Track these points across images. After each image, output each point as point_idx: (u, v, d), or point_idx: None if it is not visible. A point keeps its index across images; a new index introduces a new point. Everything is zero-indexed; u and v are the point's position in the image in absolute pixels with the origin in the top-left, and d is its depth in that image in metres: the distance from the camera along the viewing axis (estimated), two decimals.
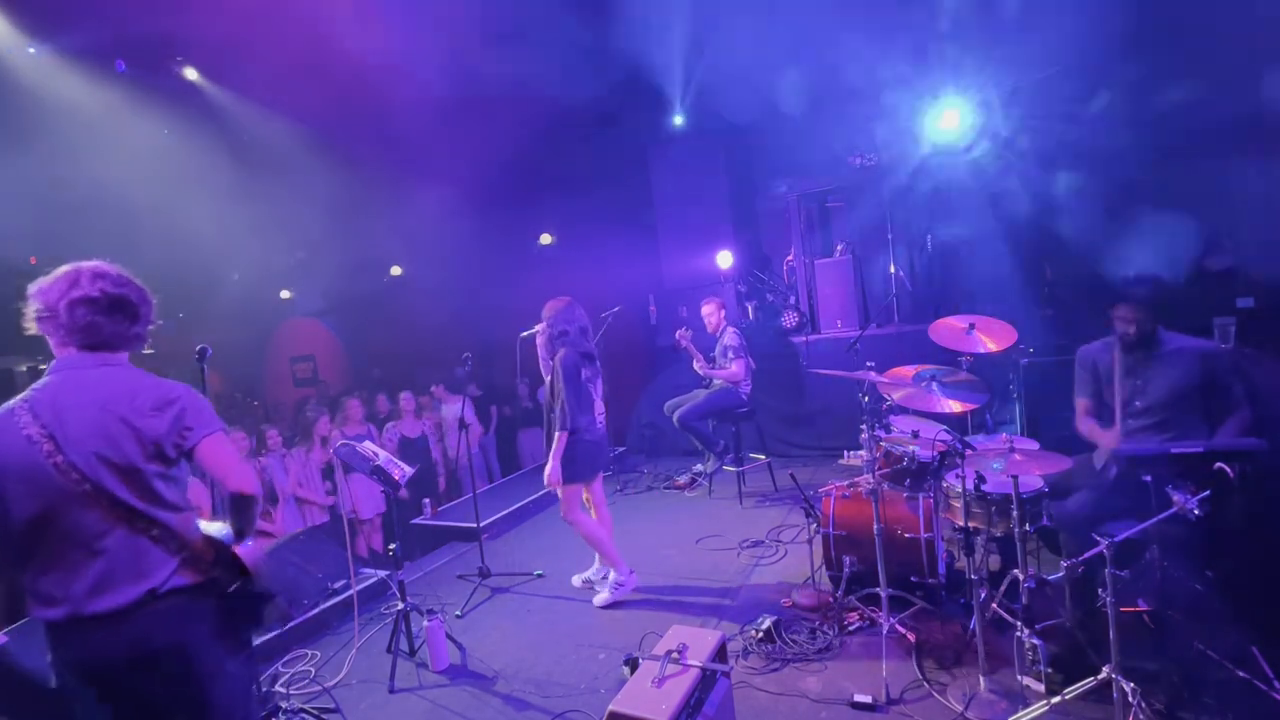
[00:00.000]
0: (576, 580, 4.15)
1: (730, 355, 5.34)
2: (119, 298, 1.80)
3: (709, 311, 5.60)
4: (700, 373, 5.53)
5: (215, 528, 1.90)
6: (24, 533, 1.68)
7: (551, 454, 3.65)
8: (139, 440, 1.73)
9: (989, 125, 6.08)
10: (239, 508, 1.88)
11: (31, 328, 1.79)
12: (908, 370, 3.35)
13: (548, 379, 3.80)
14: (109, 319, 1.79)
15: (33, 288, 1.77)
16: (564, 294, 3.90)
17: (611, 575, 3.88)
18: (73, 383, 1.75)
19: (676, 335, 5.59)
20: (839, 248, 7.05)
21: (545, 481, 3.69)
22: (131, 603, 1.69)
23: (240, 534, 1.92)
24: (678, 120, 7.72)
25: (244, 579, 1.86)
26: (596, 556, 4.05)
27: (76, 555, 1.68)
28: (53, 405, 1.71)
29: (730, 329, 5.50)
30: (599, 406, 3.87)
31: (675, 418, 5.43)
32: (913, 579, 3.27)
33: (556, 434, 3.64)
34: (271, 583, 1.93)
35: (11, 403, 1.73)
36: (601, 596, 3.85)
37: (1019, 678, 2.63)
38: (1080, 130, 5.47)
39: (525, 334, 4.02)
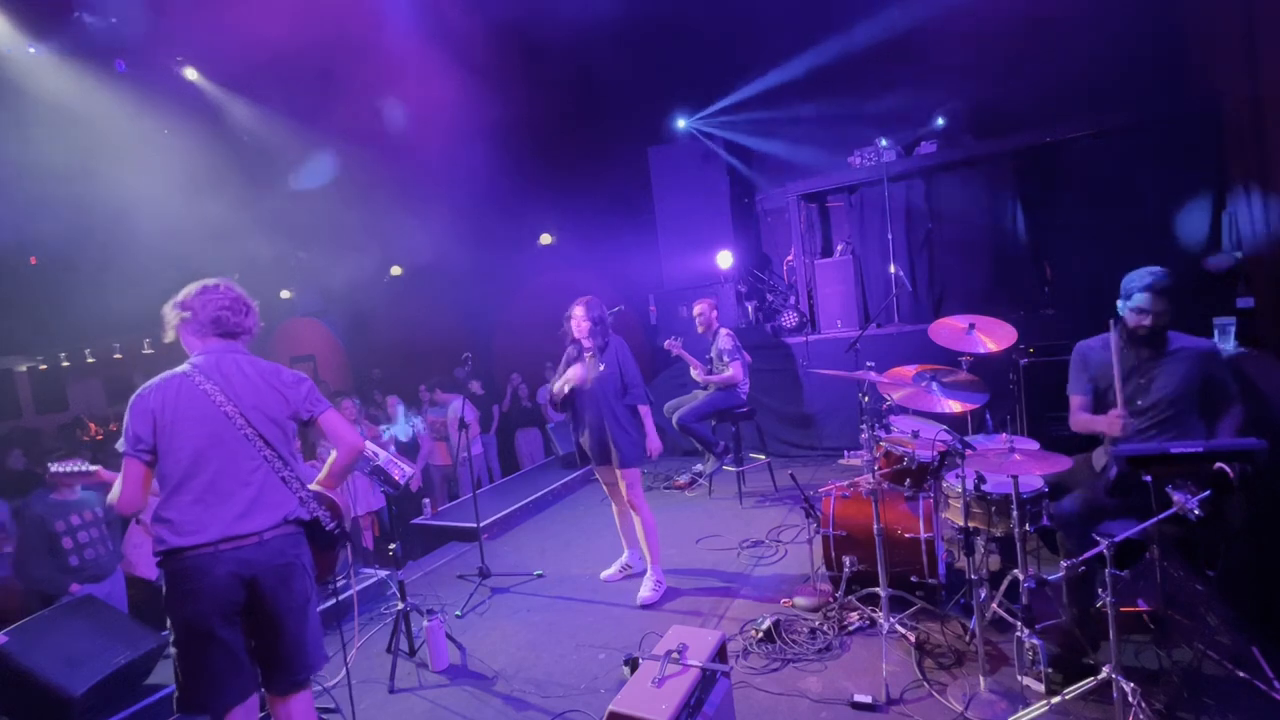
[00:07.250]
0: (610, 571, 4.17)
1: (726, 359, 5.27)
2: (237, 298, 2.35)
3: (700, 311, 5.49)
4: (699, 379, 5.49)
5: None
6: (190, 464, 2.11)
7: (646, 429, 3.85)
8: (285, 403, 2.29)
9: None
10: (349, 464, 2.44)
11: (170, 335, 2.31)
12: (908, 370, 3.35)
13: (601, 367, 3.76)
14: (234, 314, 2.32)
15: (175, 300, 2.29)
16: (565, 294, 3.89)
17: (649, 573, 3.86)
18: (228, 359, 2.26)
19: (666, 345, 5.51)
20: (839, 248, 7.06)
21: (650, 454, 3.87)
22: (271, 526, 2.16)
23: (333, 486, 2.45)
24: (679, 122, 7.73)
25: (340, 520, 2.39)
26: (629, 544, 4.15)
27: (231, 485, 2.14)
28: (218, 372, 2.22)
29: (724, 330, 5.40)
30: None
31: (674, 420, 5.39)
32: (913, 579, 3.27)
33: (640, 409, 3.83)
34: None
35: (179, 369, 2.21)
36: (644, 595, 3.79)
37: (1019, 678, 2.63)
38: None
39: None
